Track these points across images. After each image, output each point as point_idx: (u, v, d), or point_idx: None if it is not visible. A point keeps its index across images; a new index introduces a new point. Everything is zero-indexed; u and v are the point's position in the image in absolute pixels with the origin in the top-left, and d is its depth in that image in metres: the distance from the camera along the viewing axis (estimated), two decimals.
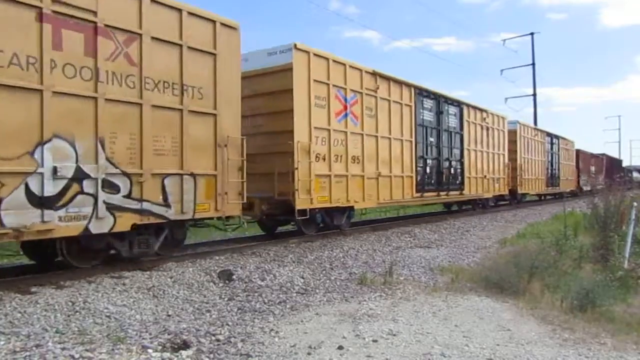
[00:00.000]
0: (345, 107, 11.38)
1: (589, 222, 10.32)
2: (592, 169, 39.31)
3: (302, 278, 7.48)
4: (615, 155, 61.19)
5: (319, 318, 5.46)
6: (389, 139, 13.10)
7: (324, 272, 7.99)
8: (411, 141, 14.09)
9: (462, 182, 17.03)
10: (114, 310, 5.44)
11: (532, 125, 25.20)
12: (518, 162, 22.03)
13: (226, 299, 6.26)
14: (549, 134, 27.51)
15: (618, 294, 6.36)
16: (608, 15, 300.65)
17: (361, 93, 11.93)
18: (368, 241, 11.11)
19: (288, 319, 5.45)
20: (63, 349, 4.21)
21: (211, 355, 4.25)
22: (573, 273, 7.52)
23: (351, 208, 11.83)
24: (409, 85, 14.18)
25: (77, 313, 5.30)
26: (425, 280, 7.67)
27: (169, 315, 5.46)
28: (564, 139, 30.76)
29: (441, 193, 15.84)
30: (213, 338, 4.67)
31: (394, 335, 4.88)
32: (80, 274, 6.79)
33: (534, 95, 37.62)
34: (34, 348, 4.21)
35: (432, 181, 15.33)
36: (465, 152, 17.26)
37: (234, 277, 7.22)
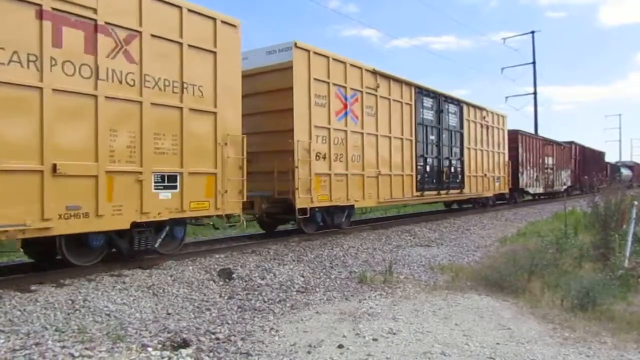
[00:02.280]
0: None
1: (590, 220, 10.29)
2: (549, 161, 27.15)
3: (302, 277, 7.48)
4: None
5: (319, 317, 5.46)
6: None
7: (324, 270, 7.99)
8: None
9: None
10: (113, 309, 5.43)
11: (353, 60, 11.71)
12: (296, 138, 9.98)
13: (226, 298, 6.25)
14: (425, 90, 14.82)
15: (618, 293, 6.35)
16: (607, 13, 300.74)
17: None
18: (368, 240, 11.10)
19: (288, 317, 5.44)
20: (63, 347, 4.21)
21: (211, 354, 4.25)
22: (573, 272, 7.51)
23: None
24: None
25: (77, 311, 5.29)
26: (425, 279, 7.67)
27: (168, 314, 5.46)
28: (479, 107, 18.43)
29: None
30: (213, 336, 4.67)
31: (394, 334, 4.87)
32: (80, 272, 6.79)
33: (535, 93, 37.60)
34: (33, 346, 4.20)
35: None
36: None
37: (234, 275, 7.21)
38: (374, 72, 12.55)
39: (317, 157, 10.51)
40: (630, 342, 4.84)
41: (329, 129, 10.86)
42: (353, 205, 11.83)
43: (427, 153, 14.95)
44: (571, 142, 33.15)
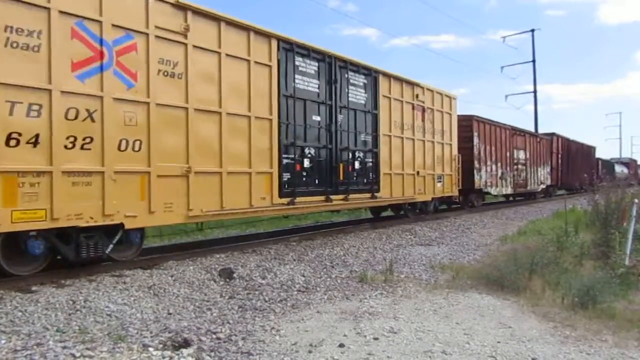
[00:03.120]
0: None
1: (590, 219, 10.30)
2: (520, 156, 22.68)
3: (303, 276, 7.49)
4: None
5: (320, 316, 5.46)
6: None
7: (324, 270, 7.99)
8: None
9: None
10: (114, 309, 5.44)
11: None
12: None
13: (227, 297, 6.26)
14: (299, 47, 10.05)
15: (619, 291, 6.35)
16: (606, 12, 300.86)
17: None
18: (369, 239, 11.11)
19: (289, 317, 5.45)
20: (64, 347, 4.21)
21: (212, 354, 4.25)
22: (574, 270, 7.51)
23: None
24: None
25: (78, 312, 5.30)
26: (426, 277, 7.67)
27: (169, 314, 5.46)
28: (408, 82, 13.65)
29: None
30: (214, 336, 4.67)
31: (395, 333, 4.87)
32: (80, 273, 6.80)
33: (535, 92, 37.59)
34: (34, 347, 4.21)
35: None
36: None
37: (234, 275, 7.22)
38: (180, 6, 7.77)
39: (12, 143, 5.90)
40: (631, 340, 4.84)
41: (48, 91, 6.20)
42: (123, 225, 6.98)
43: (305, 141, 10.21)
44: (552, 134, 28.25)
